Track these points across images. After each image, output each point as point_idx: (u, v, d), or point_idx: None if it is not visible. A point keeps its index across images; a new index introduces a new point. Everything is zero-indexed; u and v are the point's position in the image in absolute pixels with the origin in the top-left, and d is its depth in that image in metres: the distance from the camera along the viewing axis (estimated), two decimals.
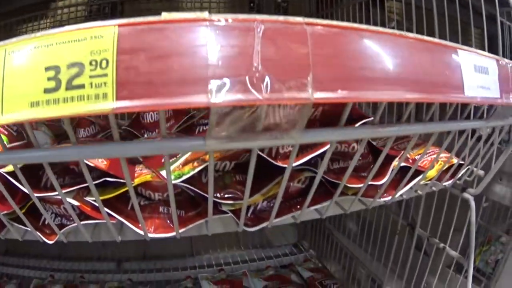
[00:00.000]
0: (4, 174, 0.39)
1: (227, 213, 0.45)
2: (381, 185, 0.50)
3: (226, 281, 1.00)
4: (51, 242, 0.44)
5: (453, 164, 0.59)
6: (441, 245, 0.77)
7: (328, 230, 1.19)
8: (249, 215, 0.48)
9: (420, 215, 0.82)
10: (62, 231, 0.44)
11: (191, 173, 0.41)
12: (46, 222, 0.47)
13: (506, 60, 0.46)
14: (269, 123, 0.32)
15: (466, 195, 0.70)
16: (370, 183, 0.49)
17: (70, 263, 1.16)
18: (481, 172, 0.68)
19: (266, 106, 0.30)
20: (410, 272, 0.86)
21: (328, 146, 0.41)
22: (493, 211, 1.17)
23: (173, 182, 0.40)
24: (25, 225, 0.43)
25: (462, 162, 0.61)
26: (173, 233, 0.44)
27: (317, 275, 1.05)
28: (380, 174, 0.51)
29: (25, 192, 0.43)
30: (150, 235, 0.44)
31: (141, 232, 0.43)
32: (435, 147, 0.61)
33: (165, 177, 0.43)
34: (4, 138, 0.49)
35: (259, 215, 0.49)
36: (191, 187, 0.42)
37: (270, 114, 0.31)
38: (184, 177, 0.41)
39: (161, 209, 0.46)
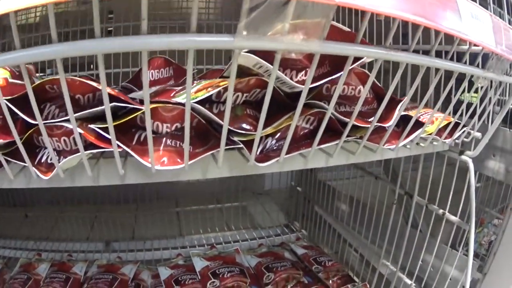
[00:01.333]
0: (6, 102, 0.37)
1: (239, 144, 0.44)
2: (386, 130, 0.51)
3: (218, 257, 0.99)
4: (46, 178, 0.42)
5: (450, 122, 0.60)
6: (440, 211, 0.78)
7: (319, 214, 1.20)
8: (257, 153, 0.48)
9: (418, 182, 0.82)
10: (60, 164, 0.42)
11: (206, 95, 0.41)
12: (42, 161, 0.45)
13: (498, 18, 0.49)
14: (296, 24, 0.32)
15: (464, 157, 0.71)
16: (377, 124, 0.50)
17: (57, 243, 1.13)
18: (478, 134, 0.69)
19: (295, 2, 0.30)
20: (406, 252, 0.87)
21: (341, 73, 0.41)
22: (485, 193, 1.20)
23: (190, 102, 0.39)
24: (20, 160, 0.41)
25: (458, 121, 0.62)
26: (182, 165, 0.43)
27: (311, 252, 1.04)
28: (386, 118, 0.52)
29: (22, 125, 0.42)
30: (157, 167, 0.42)
31: (148, 164, 0.42)
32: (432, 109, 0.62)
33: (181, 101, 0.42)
34: (7, 73, 0.48)
35: (268, 153, 0.48)
36: (206, 111, 0.41)
37: (298, 13, 0.31)
38: (199, 99, 0.40)
39: (168, 142, 0.45)
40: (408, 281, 0.87)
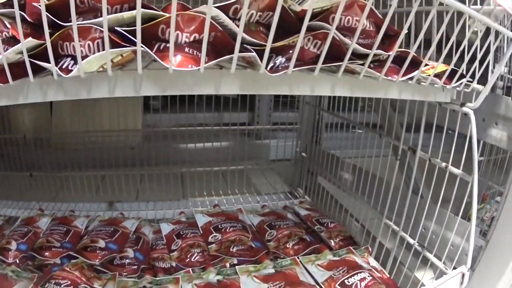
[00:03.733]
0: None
1: (251, 51, 0.45)
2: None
3: (221, 213, 0.99)
4: (66, 76, 0.42)
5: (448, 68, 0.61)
6: (443, 164, 0.78)
7: (321, 186, 1.20)
8: (268, 69, 0.48)
9: (421, 135, 0.82)
10: (83, 62, 0.42)
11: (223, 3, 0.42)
12: (63, 66, 0.45)
13: None
14: None
15: (465, 109, 0.71)
16: (379, 52, 0.51)
17: (59, 203, 1.14)
18: (479, 86, 0.69)
19: None
20: (407, 217, 0.86)
21: None
22: (488, 167, 1.20)
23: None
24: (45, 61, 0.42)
25: (456, 68, 0.62)
26: (198, 67, 0.44)
27: (313, 213, 1.04)
28: (388, 48, 0.53)
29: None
30: (174, 68, 0.43)
31: (167, 65, 0.42)
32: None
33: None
34: None
35: (277, 69, 0.49)
36: (223, 15, 0.43)
37: None
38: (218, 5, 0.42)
39: (186, 49, 0.45)
40: (411, 240, 0.86)
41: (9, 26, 0.44)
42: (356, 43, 0.50)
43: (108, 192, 1.19)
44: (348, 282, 0.74)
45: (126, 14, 0.44)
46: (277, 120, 1.33)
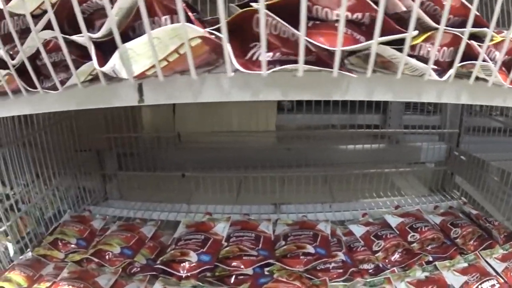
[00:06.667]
0: None
1: None
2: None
3: (406, 214, 0.97)
4: None
5: None
6: None
7: (461, 187, 1.18)
8: None
9: None
10: None
11: None
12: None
13: None
14: None
15: None
16: None
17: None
18: None
19: None
20: None
21: None
22: None
23: None
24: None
25: None
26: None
27: (481, 213, 1.01)
28: None
29: None
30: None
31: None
32: None
33: None
34: None
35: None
36: None
37: None
38: None
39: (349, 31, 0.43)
40: None
41: None
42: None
43: (268, 193, 1.13)
44: None
45: None
46: (408, 123, 1.30)
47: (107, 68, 0.41)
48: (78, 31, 0.41)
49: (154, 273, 0.83)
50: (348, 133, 1.22)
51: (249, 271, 0.80)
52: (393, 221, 0.94)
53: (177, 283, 0.78)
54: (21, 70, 0.48)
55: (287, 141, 1.25)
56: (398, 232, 0.91)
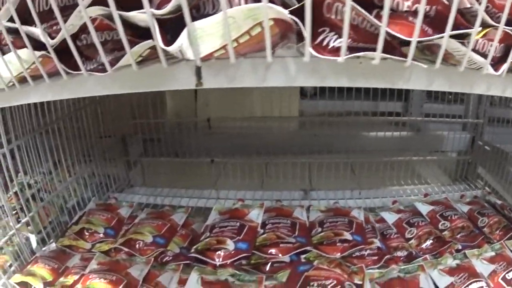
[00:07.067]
0: None
1: None
2: None
3: (436, 202, 0.97)
4: None
5: None
6: None
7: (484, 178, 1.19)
8: None
9: None
10: None
11: None
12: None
13: None
14: None
15: None
16: None
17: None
18: None
19: None
20: None
21: None
22: None
23: None
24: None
25: None
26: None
27: (505, 203, 1.02)
28: None
29: None
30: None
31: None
32: None
33: None
34: None
35: None
36: None
37: None
38: None
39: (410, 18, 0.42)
40: None
41: None
42: None
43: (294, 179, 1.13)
44: None
45: None
46: (429, 111, 1.30)
47: (174, 47, 0.40)
48: (126, 9, 0.39)
49: (188, 262, 0.82)
50: (371, 120, 1.22)
51: (286, 258, 0.80)
52: (424, 209, 0.95)
53: (213, 272, 0.77)
54: (57, 51, 0.45)
55: (310, 127, 1.25)
56: (429, 220, 0.92)
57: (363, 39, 0.42)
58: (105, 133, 1.09)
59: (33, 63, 0.47)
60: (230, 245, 0.81)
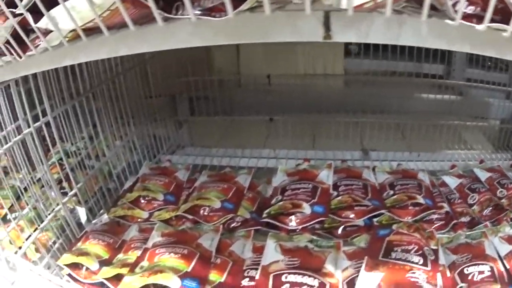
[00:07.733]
0: None
1: None
2: None
3: (492, 169, 0.98)
4: None
5: None
6: None
7: None
8: None
9: None
10: None
11: None
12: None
13: None
14: None
15: None
16: None
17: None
18: None
19: None
20: None
21: None
22: None
23: None
24: None
25: None
26: None
27: None
28: None
29: None
30: None
31: None
32: None
33: None
34: None
35: None
36: None
37: None
38: None
39: None
40: None
41: None
42: None
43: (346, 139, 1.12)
44: None
45: None
46: (471, 76, 1.31)
47: None
48: None
49: (258, 227, 0.79)
50: (414, 81, 1.22)
51: (360, 222, 0.80)
52: (482, 175, 0.96)
53: (289, 238, 0.75)
54: None
55: (355, 86, 1.23)
56: (488, 187, 0.92)
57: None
58: (154, 93, 1.03)
59: (108, 8, 0.41)
60: (306, 208, 0.79)
